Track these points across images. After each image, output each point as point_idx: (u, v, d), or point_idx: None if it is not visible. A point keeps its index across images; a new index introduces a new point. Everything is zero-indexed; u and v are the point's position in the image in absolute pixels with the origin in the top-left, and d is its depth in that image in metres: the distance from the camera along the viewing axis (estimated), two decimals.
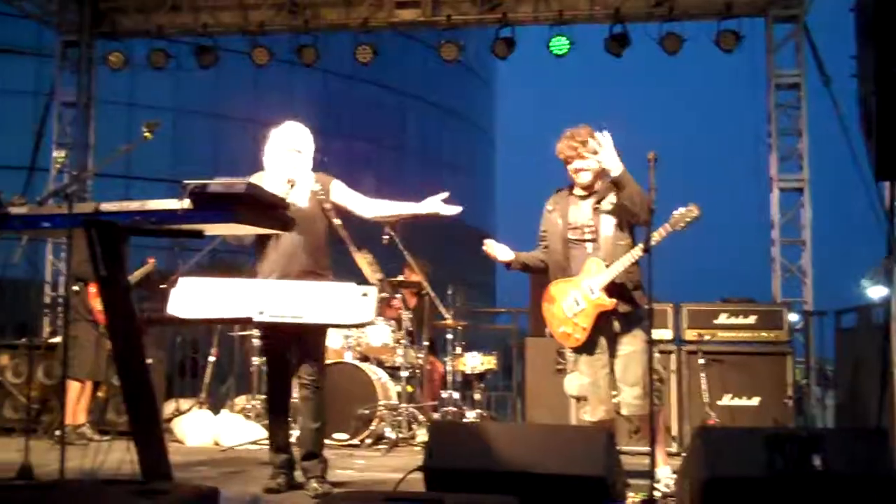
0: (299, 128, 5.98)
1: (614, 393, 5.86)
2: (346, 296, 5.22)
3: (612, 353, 5.85)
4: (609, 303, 5.74)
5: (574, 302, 5.83)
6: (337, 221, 5.93)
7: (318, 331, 5.98)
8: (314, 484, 5.74)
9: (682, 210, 5.70)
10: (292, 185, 5.72)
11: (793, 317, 9.34)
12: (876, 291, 10.27)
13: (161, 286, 5.57)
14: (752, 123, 10.79)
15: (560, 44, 10.89)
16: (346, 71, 28.09)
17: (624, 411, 5.82)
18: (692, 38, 10.68)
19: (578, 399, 5.97)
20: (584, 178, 5.92)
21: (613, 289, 5.76)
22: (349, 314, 5.20)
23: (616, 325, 5.83)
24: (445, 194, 5.85)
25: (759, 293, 9.71)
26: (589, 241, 5.89)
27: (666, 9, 10.67)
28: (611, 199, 5.85)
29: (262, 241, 5.81)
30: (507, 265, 6.11)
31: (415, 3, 11.27)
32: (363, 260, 6.16)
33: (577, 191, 6.00)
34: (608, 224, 5.84)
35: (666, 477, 5.75)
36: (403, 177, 34.58)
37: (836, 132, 10.01)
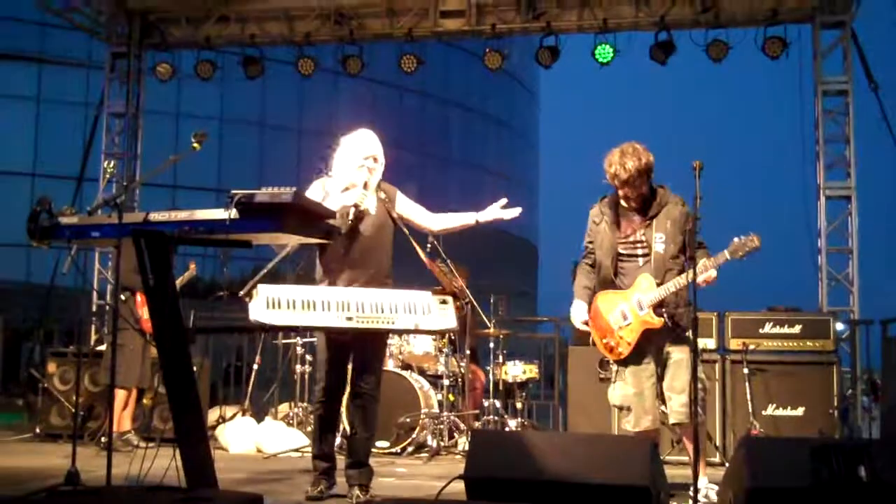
0: (374, 136, 5.98)
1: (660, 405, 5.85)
2: (428, 303, 5.29)
3: (659, 363, 5.83)
4: (657, 322, 5.73)
5: (621, 316, 5.83)
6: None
7: (381, 341, 6.03)
8: (357, 492, 5.76)
9: (742, 238, 5.65)
10: (362, 200, 5.74)
11: (839, 326, 9.23)
12: None
13: (239, 294, 5.59)
14: (798, 131, 10.69)
15: (604, 52, 10.88)
16: (390, 80, 28.24)
17: (672, 420, 5.81)
18: (738, 45, 10.62)
19: (621, 409, 5.96)
20: (635, 201, 5.91)
21: (662, 307, 5.77)
22: (434, 320, 5.28)
23: (663, 339, 5.81)
24: (504, 201, 5.88)
25: (806, 302, 9.63)
26: (641, 255, 5.87)
27: (712, 15, 10.61)
28: (664, 216, 5.82)
29: (325, 247, 5.79)
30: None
31: (459, 13, 11.30)
32: (440, 270, 6.21)
33: (625, 202, 5.97)
34: (660, 240, 5.81)
35: (705, 487, 5.71)
36: (447, 185, 34.67)
37: (884, 139, 9.91)
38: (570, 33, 11.21)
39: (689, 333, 5.80)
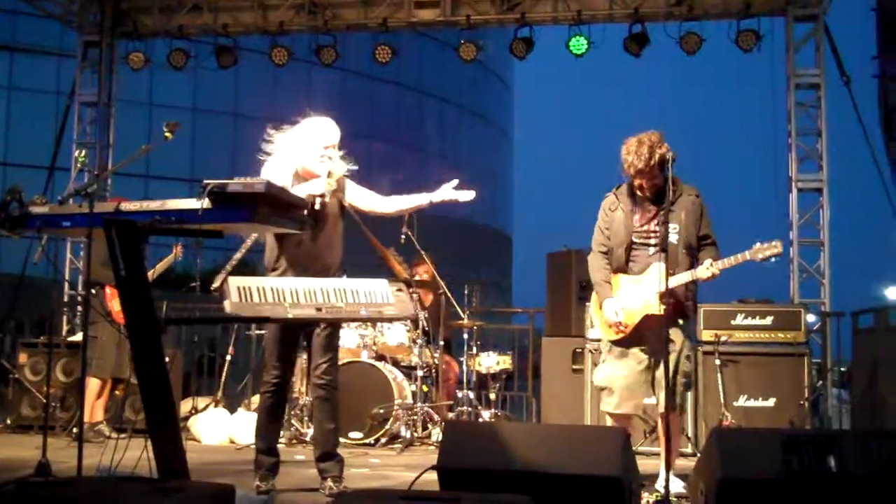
0: (335, 125, 5.92)
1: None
2: (386, 291, 5.27)
3: (656, 352, 5.81)
4: (659, 310, 5.69)
5: (627, 300, 5.87)
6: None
7: (337, 330, 5.99)
8: (330, 483, 5.75)
9: (765, 244, 5.67)
10: (329, 191, 5.70)
11: (810, 318, 9.30)
12: (894, 292, 10.23)
13: (212, 288, 5.56)
14: (770, 123, 10.77)
15: (578, 44, 10.91)
16: (364, 71, 28.19)
17: (661, 409, 5.81)
18: (711, 38, 10.67)
19: (603, 389, 5.98)
20: (646, 192, 5.91)
21: (669, 297, 5.69)
22: (395, 308, 5.25)
23: (662, 327, 5.81)
24: (455, 182, 5.85)
25: (777, 294, 9.69)
26: (653, 245, 5.88)
27: (685, 8, 10.66)
28: (679, 207, 5.82)
29: (284, 236, 5.73)
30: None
31: (434, 3, 11.30)
32: (394, 259, 6.18)
33: (640, 191, 5.97)
34: (674, 231, 5.80)
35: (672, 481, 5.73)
36: (423, 177, 34.59)
37: (856, 132, 9.98)
38: (545, 25, 11.23)
39: (688, 323, 5.90)
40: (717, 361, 8.39)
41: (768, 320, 8.61)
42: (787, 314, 8.72)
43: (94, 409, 8.51)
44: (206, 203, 4.29)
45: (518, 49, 11.13)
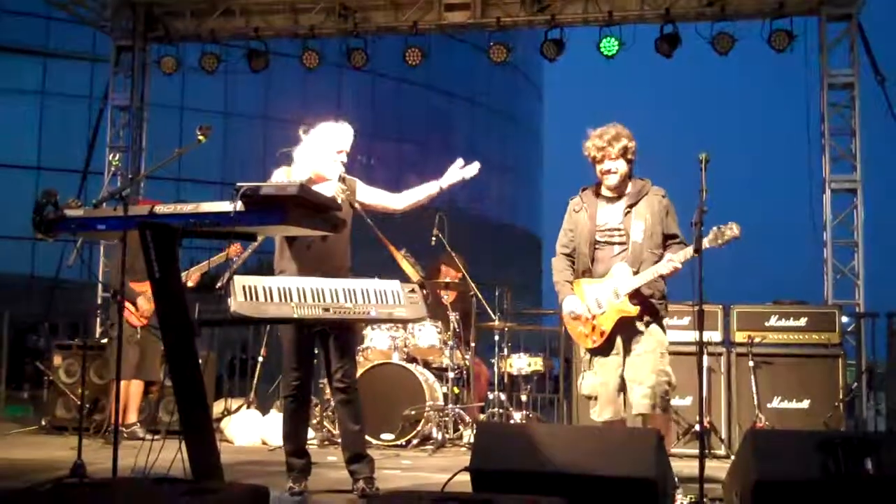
0: (349, 129, 5.94)
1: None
2: (397, 292, 5.26)
3: (626, 353, 5.79)
4: (632, 310, 5.68)
5: (596, 304, 5.79)
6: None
7: (354, 331, 5.99)
8: (362, 484, 5.76)
9: (722, 227, 5.60)
10: (340, 195, 5.72)
11: (844, 319, 9.23)
12: None
13: (216, 287, 5.58)
14: (804, 124, 10.68)
15: (609, 45, 10.87)
16: (394, 73, 28.21)
17: (635, 411, 5.74)
18: (744, 38, 10.60)
19: (590, 398, 5.95)
20: (613, 179, 5.84)
21: (638, 296, 5.72)
22: (406, 310, 5.24)
23: (634, 329, 5.78)
24: (460, 161, 5.89)
25: (811, 295, 9.63)
26: (617, 243, 5.83)
27: (717, 8, 10.60)
28: (644, 206, 5.80)
29: (293, 238, 5.76)
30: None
31: (464, 6, 11.30)
32: (405, 260, 6.16)
33: (606, 192, 5.92)
34: (638, 229, 5.77)
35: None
36: None
37: (890, 132, 9.89)
38: (576, 26, 11.20)
39: (661, 324, 5.84)
40: (751, 363, 8.33)
41: (802, 321, 8.55)
42: (821, 315, 8.65)
43: (127, 411, 8.57)
44: (239, 206, 4.31)
45: (549, 50, 11.11)
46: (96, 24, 12.50)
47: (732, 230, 5.58)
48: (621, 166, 5.80)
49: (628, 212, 5.81)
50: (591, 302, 5.81)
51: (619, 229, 5.83)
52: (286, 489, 5.78)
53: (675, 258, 5.62)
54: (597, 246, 5.87)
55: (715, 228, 5.59)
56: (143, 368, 8.64)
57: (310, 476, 5.94)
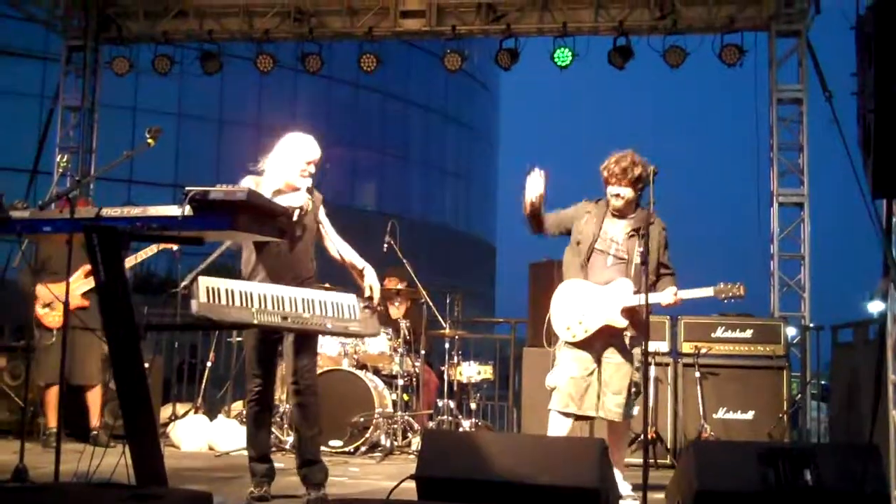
0: (314, 141, 5.97)
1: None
2: (354, 306, 5.33)
3: (601, 360, 6.09)
4: (621, 325, 6.02)
5: (590, 306, 6.04)
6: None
7: (310, 336, 6.01)
8: (312, 491, 5.77)
9: (729, 284, 5.97)
10: (308, 205, 5.76)
11: (790, 331, 9.36)
12: (875, 307, 10.27)
13: (178, 289, 5.56)
14: (753, 138, 10.80)
15: (563, 55, 10.95)
16: (350, 79, 28.18)
17: (601, 414, 6.07)
18: (695, 52, 10.73)
19: (552, 389, 6.19)
20: (618, 203, 6.18)
21: (629, 313, 6.02)
22: (361, 325, 5.36)
23: (616, 338, 6.07)
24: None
25: (758, 308, 9.72)
26: (613, 255, 6.13)
27: (669, 22, 10.71)
28: (652, 235, 6.00)
29: (261, 244, 5.75)
30: (528, 206, 6.18)
31: (419, 13, 11.31)
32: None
33: (613, 209, 6.23)
34: (640, 254, 6.01)
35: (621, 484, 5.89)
36: (406, 185, 34.65)
37: (837, 148, 10.03)
38: (530, 36, 11.26)
39: (639, 341, 6.10)
40: (697, 374, 8.42)
41: (748, 333, 8.65)
42: (767, 327, 8.77)
43: (50, 415, 8.45)
44: (187, 210, 4.30)
45: (503, 59, 11.16)
46: (48, 23, 12.36)
47: (739, 290, 5.99)
48: (628, 193, 6.13)
49: (632, 234, 6.13)
50: (586, 303, 6.08)
51: (618, 244, 6.15)
52: (248, 494, 5.78)
53: (681, 294, 6.02)
54: (595, 252, 6.15)
55: (722, 284, 5.99)
56: (72, 371, 8.29)
57: (273, 480, 5.94)
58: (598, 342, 6.08)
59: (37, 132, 12.61)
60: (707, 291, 5.96)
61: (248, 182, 5.79)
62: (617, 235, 6.16)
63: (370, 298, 5.63)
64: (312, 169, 5.87)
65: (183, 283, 5.24)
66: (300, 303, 5.15)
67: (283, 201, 5.61)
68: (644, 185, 6.10)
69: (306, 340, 5.90)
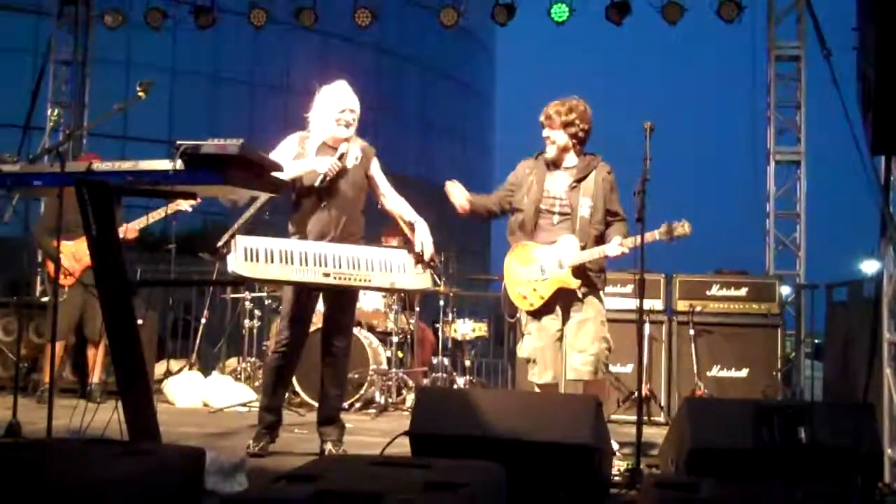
0: (349, 88, 5.93)
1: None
2: (403, 262, 5.31)
3: (566, 320, 5.90)
4: (574, 283, 5.81)
5: (539, 270, 5.88)
6: None
7: (354, 298, 6.01)
8: (331, 447, 5.83)
9: (675, 224, 5.72)
10: (344, 156, 5.73)
11: (785, 289, 9.35)
12: (869, 266, 10.25)
13: (218, 246, 5.56)
14: (749, 95, 10.73)
15: (560, 11, 10.82)
16: (346, 35, 27.96)
17: (570, 375, 5.87)
18: (693, 8, 10.61)
19: (528, 361, 6.02)
20: (550, 150, 5.97)
21: (580, 270, 5.83)
22: (410, 280, 5.36)
23: (573, 296, 5.88)
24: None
25: (753, 265, 9.72)
26: (559, 213, 5.92)
27: None
28: (591, 182, 5.88)
29: (300, 201, 5.78)
30: (464, 212, 6.10)
31: None
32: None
33: (548, 158, 6.02)
34: (585, 205, 5.87)
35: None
36: (402, 142, 34.49)
37: (835, 106, 9.97)
38: None
39: (599, 294, 5.97)
40: (692, 331, 8.43)
41: (743, 291, 8.65)
42: (761, 286, 8.77)
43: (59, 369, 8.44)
44: (179, 164, 4.26)
45: (499, 15, 11.04)
46: None
47: (683, 228, 5.75)
48: (560, 138, 5.91)
49: (575, 186, 5.90)
50: (535, 268, 5.90)
51: (562, 199, 5.92)
52: (246, 447, 5.79)
53: (626, 243, 5.73)
54: (540, 213, 5.94)
55: (666, 223, 5.75)
56: (86, 327, 8.48)
57: (276, 437, 5.96)
58: (557, 304, 5.87)
59: (29, 87, 12.49)
60: (653, 235, 5.65)
61: (293, 139, 5.83)
62: (559, 191, 5.92)
63: (421, 253, 5.58)
64: (349, 117, 5.81)
65: (219, 244, 5.22)
66: (344, 259, 5.15)
67: (310, 166, 5.64)
68: (581, 132, 5.88)
69: (344, 300, 5.90)
